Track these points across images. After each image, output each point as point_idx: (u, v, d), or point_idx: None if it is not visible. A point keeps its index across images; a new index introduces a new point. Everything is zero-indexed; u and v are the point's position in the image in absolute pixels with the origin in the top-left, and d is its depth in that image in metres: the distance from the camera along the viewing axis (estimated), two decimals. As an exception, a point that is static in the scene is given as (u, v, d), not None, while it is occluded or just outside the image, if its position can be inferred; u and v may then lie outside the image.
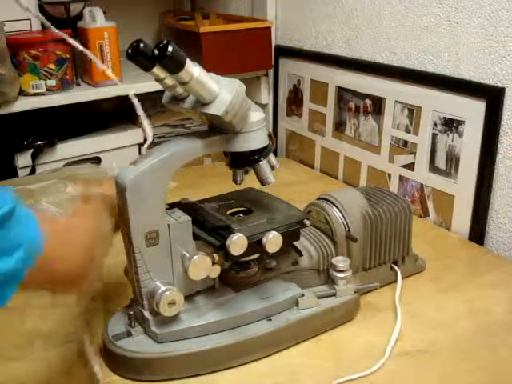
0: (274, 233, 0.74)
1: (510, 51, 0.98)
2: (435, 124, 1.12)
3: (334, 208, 0.86)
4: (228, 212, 0.80)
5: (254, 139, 0.72)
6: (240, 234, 0.71)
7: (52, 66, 1.25)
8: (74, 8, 1.38)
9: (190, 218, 0.73)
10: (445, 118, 1.10)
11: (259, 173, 0.76)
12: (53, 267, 0.55)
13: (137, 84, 1.30)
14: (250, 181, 0.79)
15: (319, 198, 0.90)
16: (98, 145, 1.39)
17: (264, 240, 0.73)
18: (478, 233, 1.07)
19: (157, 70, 0.66)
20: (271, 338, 0.76)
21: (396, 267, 0.91)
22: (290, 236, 0.77)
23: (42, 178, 1.13)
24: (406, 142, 1.19)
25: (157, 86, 0.72)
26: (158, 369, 0.72)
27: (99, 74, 1.29)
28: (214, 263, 0.72)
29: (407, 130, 1.18)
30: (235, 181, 0.78)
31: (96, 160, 1.39)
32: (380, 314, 0.84)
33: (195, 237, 0.74)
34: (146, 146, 0.81)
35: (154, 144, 0.76)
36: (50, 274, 0.56)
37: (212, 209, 0.80)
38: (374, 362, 0.75)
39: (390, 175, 1.25)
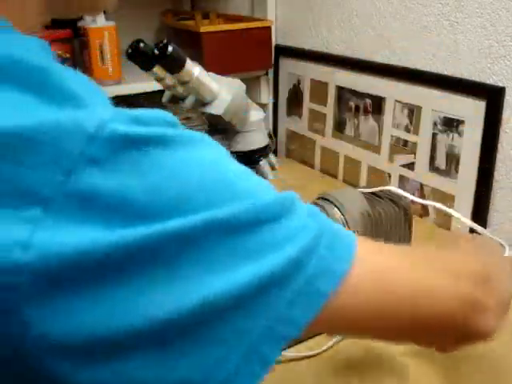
0: (274, 232, 0.73)
1: (510, 51, 0.98)
2: (435, 124, 1.12)
3: (334, 208, 0.86)
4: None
5: (253, 139, 0.73)
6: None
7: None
8: (74, 8, 1.38)
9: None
10: (445, 117, 1.10)
11: (259, 173, 0.76)
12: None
13: (137, 84, 1.30)
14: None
15: (319, 198, 0.90)
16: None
17: (264, 240, 0.73)
18: (478, 233, 1.07)
19: (157, 70, 0.66)
20: (271, 338, 0.76)
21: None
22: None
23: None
24: (406, 142, 1.19)
25: (157, 86, 0.72)
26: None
27: (100, 74, 1.29)
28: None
29: (407, 130, 1.18)
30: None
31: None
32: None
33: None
34: None
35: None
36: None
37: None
38: (374, 362, 0.75)
39: (389, 175, 1.25)
